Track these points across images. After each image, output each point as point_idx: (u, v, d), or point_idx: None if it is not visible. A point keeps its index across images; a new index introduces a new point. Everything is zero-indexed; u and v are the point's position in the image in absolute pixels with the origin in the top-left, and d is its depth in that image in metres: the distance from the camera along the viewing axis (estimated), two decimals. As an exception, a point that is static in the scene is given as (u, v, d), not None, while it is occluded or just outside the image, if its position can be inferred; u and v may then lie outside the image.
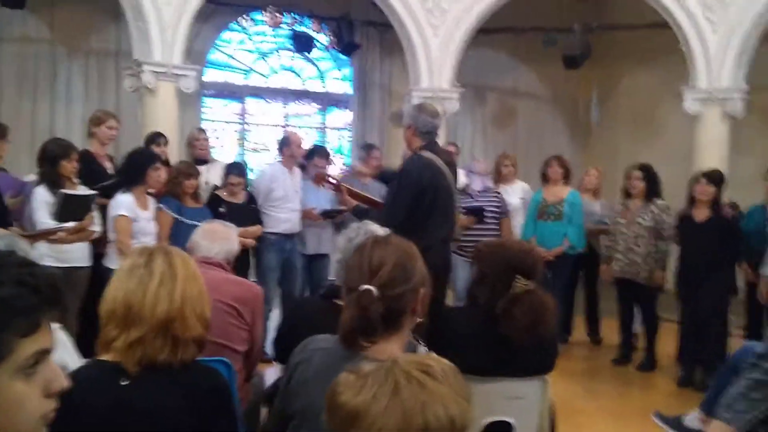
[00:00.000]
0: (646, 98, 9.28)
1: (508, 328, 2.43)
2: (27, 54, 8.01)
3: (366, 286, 1.64)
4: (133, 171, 4.74)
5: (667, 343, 5.77)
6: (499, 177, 6.70)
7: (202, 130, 6.41)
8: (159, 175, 4.82)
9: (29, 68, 8.02)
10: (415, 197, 4.12)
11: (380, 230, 2.69)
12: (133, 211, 4.65)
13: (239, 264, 4.78)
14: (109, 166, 5.21)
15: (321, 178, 5.40)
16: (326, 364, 1.68)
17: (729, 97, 7.46)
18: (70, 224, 4.29)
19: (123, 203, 4.64)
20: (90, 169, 4.95)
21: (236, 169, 5.78)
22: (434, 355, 1.44)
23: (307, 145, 6.58)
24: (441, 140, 7.52)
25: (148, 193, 4.88)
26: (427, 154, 4.24)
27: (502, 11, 8.07)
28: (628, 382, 5.65)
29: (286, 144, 5.94)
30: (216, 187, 5.70)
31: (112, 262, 4.64)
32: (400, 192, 4.20)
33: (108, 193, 4.73)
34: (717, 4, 7.39)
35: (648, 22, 8.21)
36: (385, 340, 1.67)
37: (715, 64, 7.45)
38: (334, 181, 5.44)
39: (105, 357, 1.76)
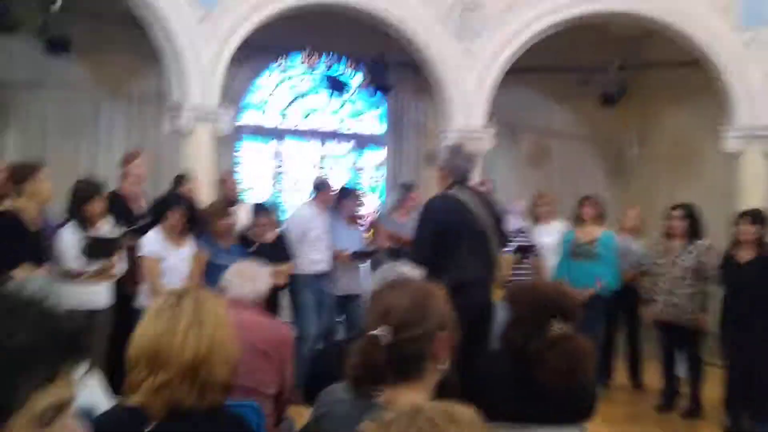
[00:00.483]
0: (685, 136, 9.13)
1: (542, 374, 2.34)
2: (70, 99, 8.24)
3: (373, 332, 1.59)
4: (153, 215, 4.80)
5: (713, 388, 5.55)
6: (536, 217, 6.63)
7: (232, 172, 6.50)
8: (177, 217, 4.80)
9: (72, 113, 8.25)
10: (437, 234, 4.08)
11: (412, 271, 2.65)
12: (158, 249, 4.67)
13: (270, 304, 4.80)
14: (139, 207, 5.27)
15: (355, 218, 5.43)
16: (346, 414, 1.63)
17: (770, 134, 7.32)
18: (95, 267, 4.35)
19: (147, 242, 4.68)
20: (120, 210, 5.03)
21: (263, 209, 5.84)
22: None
23: (338, 185, 6.65)
24: (475, 178, 7.57)
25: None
26: (454, 192, 4.21)
27: (535, 50, 8.08)
28: (672, 429, 5.44)
29: (323, 187, 6.05)
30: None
31: (141, 301, 4.67)
32: (421, 229, 4.19)
33: (139, 234, 4.79)
34: (755, 41, 7.29)
35: (685, 60, 8.13)
36: (405, 388, 1.60)
37: (756, 101, 7.32)
38: (367, 221, 5.46)
39: (131, 400, 1.74)
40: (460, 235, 4.11)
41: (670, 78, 8.88)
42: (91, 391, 2.48)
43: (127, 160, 5.42)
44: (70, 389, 0.96)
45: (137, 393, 1.71)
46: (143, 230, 4.85)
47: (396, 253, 4.71)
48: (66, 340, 0.95)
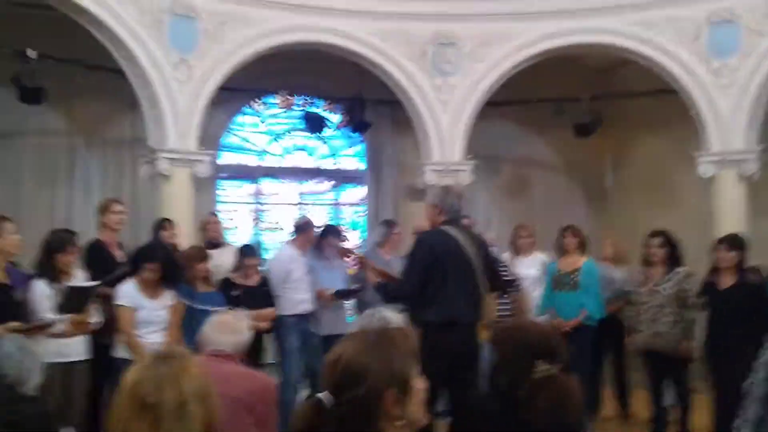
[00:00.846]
0: (661, 164, 9.24)
1: (530, 417, 2.30)
2: (45, 146, 8.18)
3: (317, 395, 1.51)
4: (130, 268, 4.74)
5: (702, 415, 5.53)
6: (517, 249, 6.63)
7: (215, 214, 6.47)
8: (151, 272, 4.74)
9: (47, 160, 8.17)
10: (426, 269, 4.09)
11: (394, 316, 2.62)
12: (134, 300, 4.62)
13: (253, 350, 4.73)
14: (119, 254, 5.22)
15: (345, 253, 5.43)
16: None
17: (743, 158, 7.43)
18: (66, 316, 4.29)
19: (123, 292, 4.63)
20: (100, 258, 4.97)
21: (250, 250, 5.82)
22: None
23: (320, 224, 6.63)
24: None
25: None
26: (446, 229, 4.24)
27: (509, 83, 8.18)
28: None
29: (306, 228, 6.02)
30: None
31: (119, 351, 4.64)
32: (412, 261, 4.22)
33: (115, 283, 4.73)
34: (725, 69, 7.45)
35: (657, 89, 8.27)
36: None
37: (727, 127, 7.45)
38: (357, 258, 5.44)
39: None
40: (448, 271, 4.11)
41: (644, 107, 9.02)
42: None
43: (105, 207, 5.37)
44: None
45: None
46: (121, 279, 4.79)
47: (383, 288, 4.71)
48: (33, 427, 0.91)
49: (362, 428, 1.49)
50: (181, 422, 1.57)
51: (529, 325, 2.73)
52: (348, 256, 5.44)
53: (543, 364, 2.35)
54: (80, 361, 4.58)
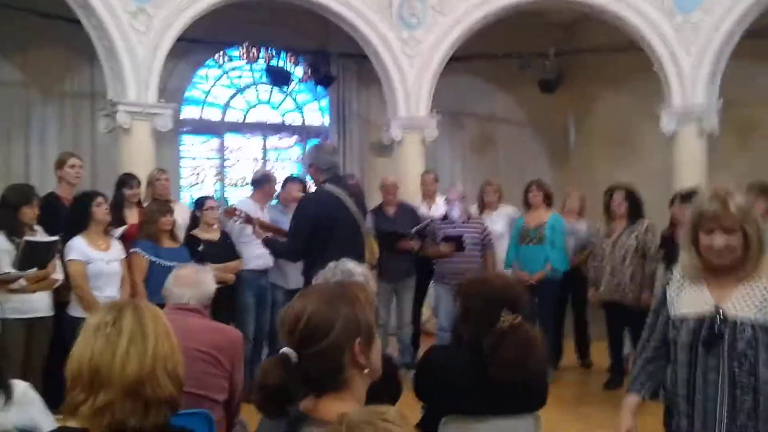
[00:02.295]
0: (622, 119, 9.33)
1: (495, 366, 2.35)
2: (0, 98, 7.91)
3: (281, 351, 1.53)
4: (77, 213, 4.68)
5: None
6: (483, 204, 6.68)
7: (163, 171, 6.23)
8: (103, 209, 4.72)
9: (2, 113, 7.91)
10: (312, 227, 4.33)
11: (357, 267, 2.62)
12: (84, 253, 4.57)
13: (221, 303, 4.70)
14: None
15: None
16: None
17: (704, 114, 7.53)
18: (30, 272, 4.23)
19: (72, 247, 4.58)
20: (55, 212, 4.87)
21: (203, 201, 5.67)
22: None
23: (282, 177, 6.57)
24: (420, 168, 7.63)
25: (120, 237, 4.81)
26: (328, 187, 4.46)
27: (476, 38, 8.12)
28: (620, 406, 5.56)
29: (266, 181, 5.95)
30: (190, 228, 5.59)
31: (75, 309, 4.58)
32: (297, 222, 4.47)
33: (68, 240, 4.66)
34: (687, 25, 7.49)
35: (620, 44, 8.29)
36: (330, 398, 1.53)
37: (689, 82, 7.52)
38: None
39: (71, 423, 1.66)
40: (333, 228, 4.34)
41: (606, 62, 9.05)
42: (33, 408, 2.39)
43: (62, 162, 5.24)
44: None
45: (78, 415, 1.63)
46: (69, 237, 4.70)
47: (270, 245, 4.84)
48: None
49: (331, 379, 1.52)
50: (139, 340, 1.61)
51: (493, 277, 2.76)
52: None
53: (507, 314, 2.39)
54: (41, 318, 4.52)
